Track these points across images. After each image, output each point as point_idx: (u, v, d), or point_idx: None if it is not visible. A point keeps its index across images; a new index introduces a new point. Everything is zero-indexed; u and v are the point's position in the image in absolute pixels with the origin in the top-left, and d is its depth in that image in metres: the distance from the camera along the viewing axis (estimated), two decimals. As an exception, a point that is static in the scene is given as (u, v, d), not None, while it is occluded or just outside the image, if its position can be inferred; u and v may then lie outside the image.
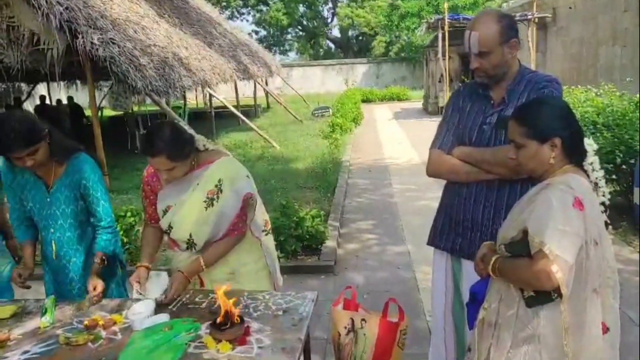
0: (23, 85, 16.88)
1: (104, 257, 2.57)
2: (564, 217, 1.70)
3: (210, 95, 15.18)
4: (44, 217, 2.59)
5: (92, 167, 2.58)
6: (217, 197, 2.44)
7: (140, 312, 2.17)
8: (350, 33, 42.26)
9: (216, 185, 2.44)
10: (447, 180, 2.55)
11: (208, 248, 2.50)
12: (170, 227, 2.50)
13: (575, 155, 1.88)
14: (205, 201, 2.43)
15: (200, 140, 2.52)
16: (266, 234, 2.74)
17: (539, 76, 2.32)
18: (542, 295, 1.78)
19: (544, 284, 1.72)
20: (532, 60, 15.53)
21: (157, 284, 2.41)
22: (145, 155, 2.30)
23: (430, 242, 2.68)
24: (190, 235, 2.47)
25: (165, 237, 2.66)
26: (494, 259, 1.92)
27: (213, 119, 15.77)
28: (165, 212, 2.50)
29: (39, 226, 2.62)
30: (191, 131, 2.50)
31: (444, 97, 16.95)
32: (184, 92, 10.54)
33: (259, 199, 2.67)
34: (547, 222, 1.71)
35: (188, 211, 2.45)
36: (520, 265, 1.79)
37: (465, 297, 2.36)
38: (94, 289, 2.46)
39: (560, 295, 1.74)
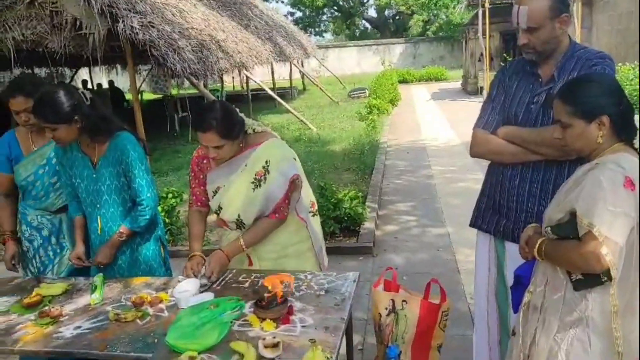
0: (66, 70, 17.30)
1: (123, 232, 2.61)
2: (614, 198, 1.65)
3: (247, 77, 15.24)
4: (90, 193, 2.64)
5: (132, 145, 2.62)
6: (265, 179, 2.48)
7: (186, 291, 2.22)
8: (386, 12, 41.56)
9: (263, 167, 2.48)
10: (491, 161, 2.49)
11: (249, 229, 2.54)
12: (219, 207, 2.55)
13: (625, 133, 1.81)
14: (252, 182, 2.48)
15: (249, 124, 2.56)
16: (313, 215, 2.76)
17: (590, 52, 2.22)
18: (591, 278, 1.74)
19: (593, 267, 1.68)
20: (577, 36, 14.99)
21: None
22: (197, 131, 2.36)
23: (473, 224, 2.64)
24: (239, 216, 2.52)
25: (214, 217, 2.71)
26: (539, 241, 1.88)
27: (250, 102, 15.86)
28: (215, 192, 2.55)
29: (84, 203, 2.69)
30: (241, 114, 2.53)
31: (484, 77, 16.56)
32: (222, 74, 10.60)
33: (305, 181, 2.69)
34: (597, 202, 1.66)
35: (236, 192, 2.50)
36: (568, 247, 1.75)
37: (510, 280, 2.32)
38: (78, 258, 2.62)
39: (610, 278, 1.69)
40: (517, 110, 2.28)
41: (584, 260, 1.69)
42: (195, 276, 2.40)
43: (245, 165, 2.49)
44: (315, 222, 2.79)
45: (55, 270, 2.83)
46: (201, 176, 2.62)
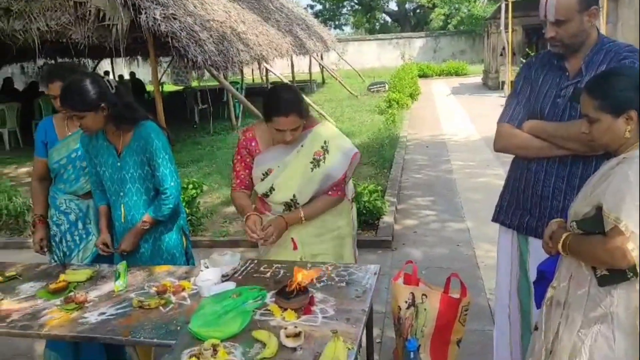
0: (88, 62, 17.50)
1: (147, 221, 2.64)
2: (642, 193, 1.62)
3: (267, 70, 15.26)
4: (114, 182, 2.67)
5: (157, 133, 2.64)
6: (324, 158, 2.53)
7: (208, 279, 2.24)
8: (407, 6, 41.27)
9: (322, 147, 2.54)
10: (515, 156, 2.46)
11: (309, 203, 2.58)
12: (272, 189, 2.57)
13: None
14: (311, 162, 2.53)
15: None
16: (352, 201, 2.83)
17: (619, 46, 2.18)
18: (616, 274, 1.72)
19: (619, 262, 1.66)
20: (603, 31, 14.75)
21: (230, 262, 2.48)
22: (276, 117, 2.38)
23: (495, 219, 2.61)
24: (294, 196, 2.56)
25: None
26: (564, 236, 1.86)
27: (269, 94, 15.87)
28: (265, 174, 2.58)
29: (109, 192, 2.73)
30: None
31: (506, 72, 16.37)
32: (242, 67, 10.63)
33: (359, 159, 2.74)
34: (624, 197, 1.64)
35: (293, 172, 2.54)
36: (594, 242, 1.73)
37: (532, 275, 2.30)
38: (104, 244, 2.68)
39: (636, 274, 1.67)
40: (543, 105, 2.25)
41: (610, 256, 1.67)
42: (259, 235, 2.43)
43: (302, 146, 2.53)
44: (354, 210, 2.87)
45: (80, 255, 2.87)
46: (248, 159, 2.64)
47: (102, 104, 2.49)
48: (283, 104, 2.37)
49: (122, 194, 2.69)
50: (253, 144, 2.62)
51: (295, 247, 2.64)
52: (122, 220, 2.71)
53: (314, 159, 2.53)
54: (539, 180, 2.29)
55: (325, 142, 2.55)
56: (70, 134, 2.85)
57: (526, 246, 2.44)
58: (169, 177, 2.64)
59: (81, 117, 2.48)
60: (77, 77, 2.52)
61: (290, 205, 2.59)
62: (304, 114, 2.45)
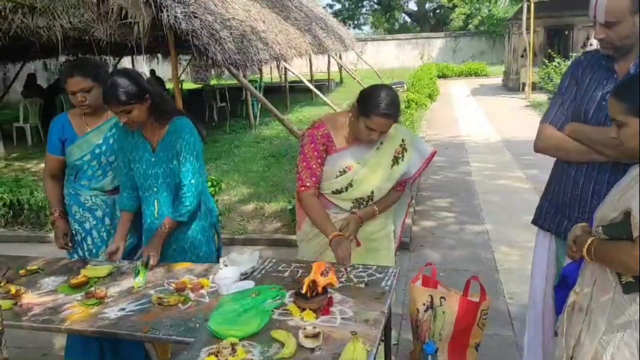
0: (110, 59, 17.67)
1: (167, 224, 2.61)
2: (671, 199, 1.59)
3: (285, 69, 15.28)
4: (148, 177, 2.68)
5: (189, 129, 2.65)
6: (402, 156, 2.62)
7: (227, 278, 2.24)
8: (427, 6, 41.08)
9: (400, 145, 2.62)
10: (556, 159, 2.41)
11: (380, 200, 2.65)
12: (349, 185, 2.59)
13: None
14: (392, 159, 2.60)
15: None
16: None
17: None
18: (643, 282, 1.68)
19: (646, 270, 1.62)
20: None
21: (248, 261, 2.47)
22: (376, 116, 2.38)
23: (535, 222, 2.56)
24: (372, 192, 2.60)
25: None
26: (589, 241, 1.83)
27: (287, 93, 15.90)
28: (343, 172, 2.58)
29: (142, 188, 2.72)
30: None
31: (527, 73, 16.20)
32: (261, 66, 10.65)
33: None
34: (653, 203, 1.60)
35: (374, 169, 2.58)
36: (621, 248, 1.69)
37: None
38: (111, 253, 2.67)
39: (663, 282, 1.64)
40: (588, 107, 2.19)
41: (637, 262, 1.63)
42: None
43: (381, 144, 2.58)
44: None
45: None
46: (324, 155, 2.59)
47: (146, 95, 2.53)
48: (387, 107, 2.38)
49: (155, 189, 2.69)
50: (330, 140, 2.59)
51: (358, 244, 2.65)
52: (156, 216, 2.71)
53: (394, 156, 2.60)
54: (577, 185, 2.25)
55: (403, 141, 2.62)
56: (89, 129, 2.83)
57: (563, 251, 2.38)
58: (191, 174, 2.62)
59: (129, 112, 2.49)
60: (114, 75, 2.54)
61: (361, 202, 2.62)
62: (399, 119, 2.52)
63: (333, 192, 2.61)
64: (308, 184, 2.58)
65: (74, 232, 2.91)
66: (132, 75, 2.55)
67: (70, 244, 2.90)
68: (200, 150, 2.69)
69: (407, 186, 2.80)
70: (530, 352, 2.63)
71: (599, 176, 2.18)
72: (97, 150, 2.81)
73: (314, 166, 2.57)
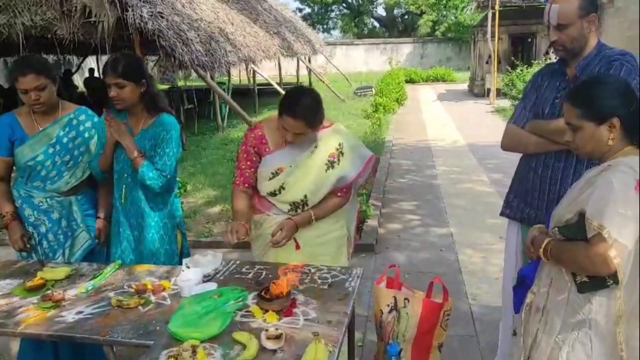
0: (74, 58, 17.30)
1: (138, 157, 2.62)
2: (625, 201, 1.64)
3: (254, 71, 15.22)
4: (121, 161, 2.72)
5: (176, 129, 2.73)
6: (338, 160, 2.54)
7: (189, 279, 2.21)
8: (395, 11, 41.51)
9: (337, 149, 2.55)
10: (520, 153, 2.62)
11: (319, 204, 2.59)
12: (281, 188, 2.55)
13: (636, 135, 1.79)
14: (326, 163, 2.53)
15: None
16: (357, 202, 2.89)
17: (613, 51, 2.32)
18: (596, 281, 1.73)
19: (600, 269, 1.67)
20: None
21: (212, 263, 2.45)
22: (285, 115, 2.38)
23: (502, 213, 2.75)
24: (305, 196, 2.55)
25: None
26: (546, 241, 1.87)
27: (256, 96, 15.84)
28: (274, 174, 2.55)
29: (116, 173, 2.76)
30: None
31: (491, 80, 16.52)
32: (229, 67, 10.59)
33: (376, 163, 2.76)
34: (607, 204, 1.65)
35: (305, 173, 2.53)
36: (576, 248, 1.74)
37: None
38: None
39: (616, 282, 1.68)
40: (544, 106, 2.43)
41: (592, 263, 1.67)
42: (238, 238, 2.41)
43: (316, 147, 2.54)
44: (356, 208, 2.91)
45: (67, 254, 2.79)
46: (254, 158, 2.60)
47: (144, 80, 2.61)
48: (299, 108, 2.36)
49: (126, 175, 2.72)
50: (263, 141, 2.59)
51: (298, 247, 2.63)
52: (122, 201, 2.74)
53: (329, 160, 2.54)
54: (537, 174, 2.46)
55: (340, 144, 2.56)
56: (40, 129, 2.72)
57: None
58: (167, 159, 2.67)
59: (122, 87, 2.55)
60: (121, 53, 2.65)
61: (298, 206, 2.58)
62: (315, 125, 2.44)
63: (269, 194, 2.61)
64: (237, 182, 2.66)
65: (29, 235, 2.78)
66: (136, 58, 2.70)
67: (29, 246, 2.76)
68: (179, 152, 2.74)
69: (353, 191, 2.73)
70: (504, 338, 2.78)
71: (555, 163, 2.40)
72: (51, 150, 2.71)
73: (243, 167, 2.63)
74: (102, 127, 2.76)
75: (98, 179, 2.86)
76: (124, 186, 2.74)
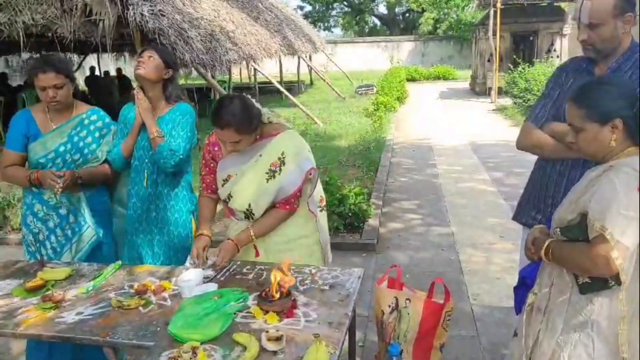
0: (74, 57, 17.28)
1: (156, 131, 2.73)
2: (627, 201, 1.63)
3: (255, 70, 15.22)
4: (140, 148, 2.83)
5: (191, 113, 2.86)
6: (280, 170, 2.48)
7: (190, 280, 2.20)
8: (397, 9, 41.44)
9: (279, 158, 2.48)
10: (536, 155, 2.50)
11: (259, 219, 2.54)
12: (230, 196, 2.54)
13: (639, 136, 1.78)
14: (267, 173, 2.48)
15: (265, 114, 2.55)
16: (321, 210, 2.73)
17: None
18: (598, 282, 1.72)
19: (602, 271, 1.66)
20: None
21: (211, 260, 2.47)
22: (214, 127, 2.37)
23: (514, 217, 2.67)
24: (249, 206, 2.52)
25: (220, 206, 2.74)
26: (547, 242, 1.86)
27: (257, 94, 15.83)
28: (225, 181, 2.55)
29: (136, 160, 2.85)
30: (258, 105, 2.53)
31: (493, 78, 16.49)
32: (230, 66, 10.59)
33: (316, 175, 2.67)
34: (610, 205, 1.64)
35: (248, 182, 2.49)
36: (578, 249, 1.73)
37: None
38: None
39: (618, 283, 1.68)
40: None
41: (593, 264, 1.67)
42: (203, 262, 2.43)
43: (260, 156, 2.49)
44: (323, 217, 2.77)
45: (73, 249, 2.82)
46: (212, 164, 2.62)
47: (170, 69, 2.79)
48: (221, 116, 2.32)
49: (146, 160, 2.82)
50: (216, 148, 2.60)
51: (257, 254, 2.61)
52: (145, 185, 2.84)
53: (270, 169, 2.47)
54: (552, 181, 2.36)
55: (282, 154, 2.48)
56: (54, 127, 2.78)
57: None
58: (182, 142, 2.77)
59: (159, 81, 2.76)
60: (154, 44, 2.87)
61: (247, 215, 2.55)
62: (246, 129, 2.37)
63: (223, 200, 2.61)
64: (200, 189, 2.71)
65: (36, 230, 2.83)
66: (166, 49, 2.93)
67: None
68: (194, 138, 2.86)
69: (305, 204, 2.58)
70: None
71: (572, 173, 2.27)
72: (62, 149, 2.76)
73: (203, 173, 2.66)
74: (119, 122, 2.93)
75: (116, 169, 2.93)
76: (146, 171, 2.84)
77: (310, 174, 2.53)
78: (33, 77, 2.66)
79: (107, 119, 2.94)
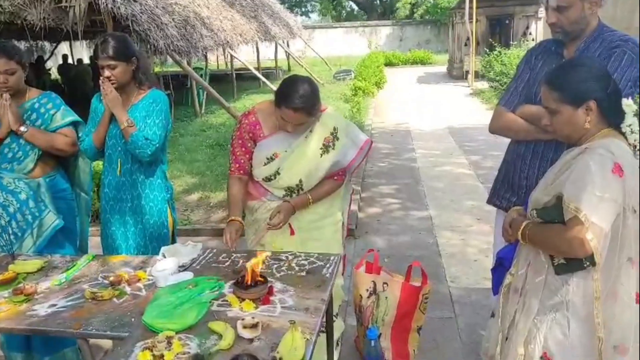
0: (46, 44, 16.90)
1: (129, 121, 2.68)
2: (602, 183, 1.64)
3: (232, 56, 15.05)
4: (113, 136, 2.79)
5: (165, 100, 2.82)
6: (333, 145, 2.53)
7: (164, 269, 2.17)
8: (374, -6, 41.30)
9: (332, 133, 2.54)
10: (509, 138, 2.53)
11: (315, 187, 2.58)
12: (276, 173, 2.54)
13: (613, 118, 1.79)
14: (321, 148, 2.52)
15: None
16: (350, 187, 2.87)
17: (615, 35, 2.22)
18: (573, 263, 1.74)
19: (577, 252, 1.68)
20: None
21: (190, 252, 2.42)
22: (284, 108, 2.34)
23: (489, 201, 2.69)
24: (300, 181, 2.54)
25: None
26: (524, 224, 1.88)
27: (234, 81, 15.68)
28: (270, 159, 2.54)
29: (108, 148, 2.83)
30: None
31: (470, 62, 16.56)
32: (206, 52, 10.44)
33: (371, 145, 2.74)
34: (584, 187, 1.65)
35: (301, 157, 2.52)
36: (553, 231, 1.74)
37: None
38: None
39: (592, 263, 1.69)
40: (537, 90, 2.27)
41: (568, 245, 1.68)
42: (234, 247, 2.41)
43: (310, 132, 2.51)
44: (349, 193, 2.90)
45: (35, 234, 2.79)
46: (249, 144, 2.58)
47: (134, 58, 2.71)
48: (298, 99, 2.32)
49: (119, 148, 2.79)
50: (257, 127, 2.57)
51: (292, 233, 2.61)
52: (118, 174, 2.82)
53: (323, 145, 2.52)
54: (525, 163, 2.38)
55: (335, 129, 2.54)
56: None
57: None
58: (157, 130, 2.73)
59: (114, 67, 2.64)
60: (109, 34, 2.73)
61: (293, 190, 2.57)
62: (314, 112, 2.42)
63: (264, 180, 2.59)
64: (232, 169, 2.63)
65: None
66: (124, 37, 2.76)
67: None
68: (168, 125, 2.82)
69: (347, 175, 2.71)
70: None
71: (545, 153, 2.30)
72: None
73: (238, 153, 2.60)
74: (90, 111, 2.87)
75: (90, 159, 3.00)
76: (118, 159, 2.81)
77: (365, 146, 2.60)
78: None
79: (58, 101, 2.93)
